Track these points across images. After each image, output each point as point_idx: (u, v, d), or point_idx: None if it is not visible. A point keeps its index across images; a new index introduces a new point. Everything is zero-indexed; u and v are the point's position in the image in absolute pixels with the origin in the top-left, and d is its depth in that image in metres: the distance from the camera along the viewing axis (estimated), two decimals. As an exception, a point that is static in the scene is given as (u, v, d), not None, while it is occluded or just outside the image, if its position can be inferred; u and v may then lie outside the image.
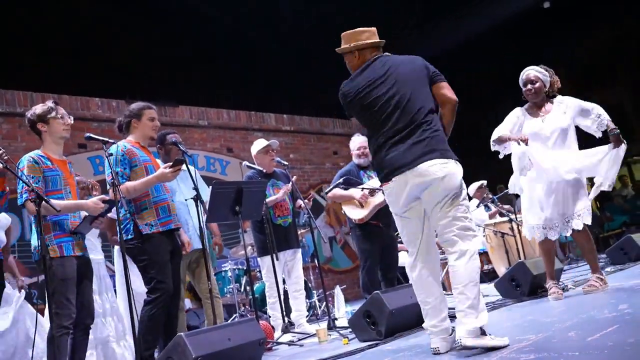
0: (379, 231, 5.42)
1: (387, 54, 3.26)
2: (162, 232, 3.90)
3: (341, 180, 5.58)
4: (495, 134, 4.60)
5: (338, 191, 5.63)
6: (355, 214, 5.45)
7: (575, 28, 11.52)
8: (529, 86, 4.63)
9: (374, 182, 5.48)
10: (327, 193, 5.91)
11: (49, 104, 3.74)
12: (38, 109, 3.72)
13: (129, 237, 3.79)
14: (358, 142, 5.75)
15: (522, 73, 4.69)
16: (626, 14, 11.50)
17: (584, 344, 2.58)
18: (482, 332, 2.78)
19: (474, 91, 13.75)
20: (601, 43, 12.15)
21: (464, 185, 2.99)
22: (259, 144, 5.62)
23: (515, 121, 4.63)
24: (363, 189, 5.40)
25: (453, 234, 2.88)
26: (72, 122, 3.80)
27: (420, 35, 10.49)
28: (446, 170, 2.90)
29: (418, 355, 3.12)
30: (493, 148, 4.65)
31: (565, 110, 4.52)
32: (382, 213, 5.36)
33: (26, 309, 4.73)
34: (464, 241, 2.83)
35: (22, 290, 4.92)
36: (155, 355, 4.14)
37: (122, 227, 3.77)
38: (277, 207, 5.41)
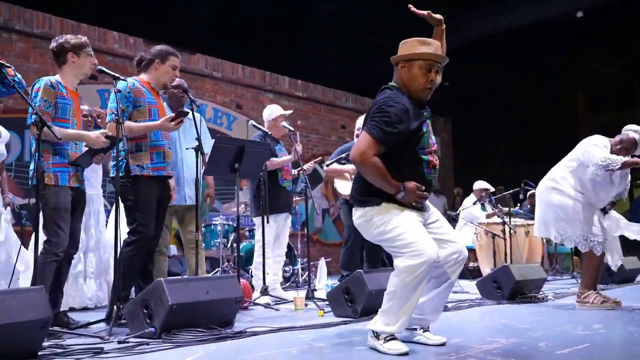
0: None
1: None
2: (153, 177, 3.89)
3: (343, 155, 5.58)
4: (605, 155, 4.27)
5: (336, 165, 5.64)
6: (345, 189, 5.45)
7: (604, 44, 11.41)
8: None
9: None
10: (327, 166, 5.92)
11: (84, 38, 3.78)
12: (73, 39, 3.74)
13: (120, 174, 3.75)
14: (357, 126, 5.74)
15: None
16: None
17: (552, 356, 2.61)
18: (377, 336, 2.81)
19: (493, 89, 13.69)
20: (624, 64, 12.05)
21: (378, 224, 2.87)
22: (276, 110, 5.60)
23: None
24: None
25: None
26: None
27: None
28: (355, 218, 3.02)
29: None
30: (602, 167, 4.26)
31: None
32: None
33: (11, 233, 4.74)
34: (395, 258, 2.82)
35: (8, 207, 4.93)
36: (132, 296, 4.21)
37: (115, 163, 3.77)
38: (284, 170, 5.44)
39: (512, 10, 10.13)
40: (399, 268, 2.74)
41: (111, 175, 3.95)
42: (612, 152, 4.36)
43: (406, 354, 2.70)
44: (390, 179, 2.81)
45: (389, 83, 3.00)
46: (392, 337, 2.77)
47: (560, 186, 4.49)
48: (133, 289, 4.08)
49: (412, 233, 2.75)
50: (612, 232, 4.53)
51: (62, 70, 3.75)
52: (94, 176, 4.87)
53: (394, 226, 2.80)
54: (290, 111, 5.69)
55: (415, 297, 2.76)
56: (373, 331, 2.83)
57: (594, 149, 4.34)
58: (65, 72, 3.74)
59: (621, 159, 4.21)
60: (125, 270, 3.67)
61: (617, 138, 4.45)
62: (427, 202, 3.00)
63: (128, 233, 3.85)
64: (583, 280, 4.48)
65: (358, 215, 2.98)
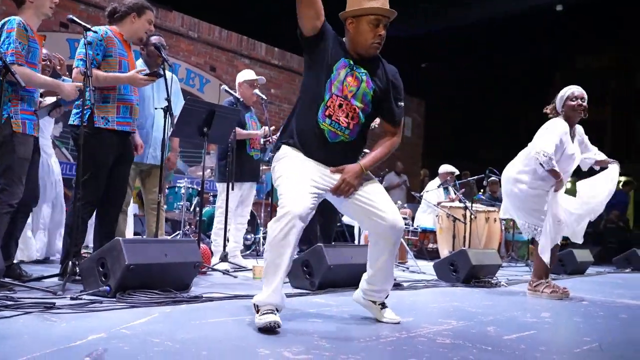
0: None
1: None
2: (117, 131, 3.78)
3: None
4: (544, 148, 4.22)
5: None
6: None
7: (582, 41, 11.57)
8: (582, 102, 4.38)
9: None
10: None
11: None
12: None
13: (82, 123, 3.55)
14: None
15: (570, 87, 4.43)
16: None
17: (499, 341, 2.68)
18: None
19: (464, 77, 13.80)
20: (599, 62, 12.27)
21: (275, 171, 2.84)
22: (247, 74, 5.55)
23: (563, 138, 4.32)
24: None
25: None
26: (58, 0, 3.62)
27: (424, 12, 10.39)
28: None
29: (343, 312, 3.20)
30: (546, 163, 4.24)
31: (580, 138, 4.56)
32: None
33: None
34: None
35: None
36: (89, 252, 4.16)
37: (78, 111, 3.66)
38: (252, 139, 5.41)
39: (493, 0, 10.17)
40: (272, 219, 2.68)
41: (72, 123, 3.79)
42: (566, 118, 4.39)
43: (272, 326, 2.50)
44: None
45: None
46: (269, 311, 2.57)
47: (518, 175, 4.52)
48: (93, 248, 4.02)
49: (287, 184, 2.67)
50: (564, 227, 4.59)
51: (22, 11, 3.46)
52: (46, 125, 4.63)
53: (278, 175, 2.77)
54: (262, 77, 5.62)
55: (282, 259, 2.59)
56: (254, 305, 2.69)
57: (540, 136, 4.36)
58: (25, 13, 3.46)
59: (553, 165, 4.23)
60: (74, 225, 3.55)
61: (559, 109, 4.46)
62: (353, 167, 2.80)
63: (75, 185, 3.68)
64: (535, 269, 4.60)
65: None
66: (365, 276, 3.03)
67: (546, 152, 4.23)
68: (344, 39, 2.88)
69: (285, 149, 2.84)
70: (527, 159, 4.47)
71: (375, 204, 2.81)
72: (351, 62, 2.82)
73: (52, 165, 4.86)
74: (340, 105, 2.78)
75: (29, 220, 4.69)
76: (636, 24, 11.67)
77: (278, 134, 3.02)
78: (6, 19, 3.40)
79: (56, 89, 3.57)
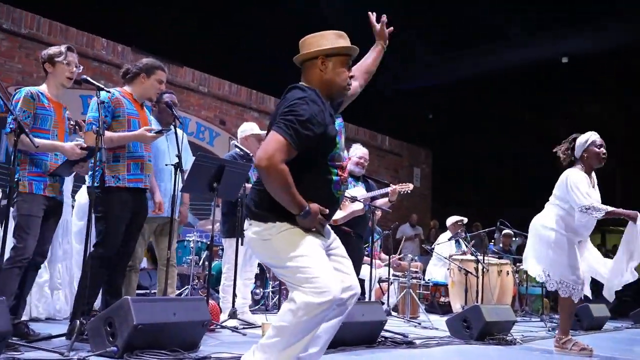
0: (348, 239, 5.37)
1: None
2: (128, 189, 3.82)
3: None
4: (589, 201, 4.22)
5: None
6: None
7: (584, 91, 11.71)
8: (604, 150, 4.46)
9: (357, 191, 5.46)
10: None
11: (62, 48, 3.73)
12: (51, 50, 3.72)
13: (94, 184, 3.69)
14: (361, 151, 5.72)
15: (591, 134, 4.48)
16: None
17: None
18: None
19: (477, 125, 13.90)
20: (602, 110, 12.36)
21: (277, 249, 2.47)
22: (252, 127, 5.52)
23: (588, 187, 4.35)
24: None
25: None
26: (77, 72, 3.74)
27: (435, 63, 10.58)
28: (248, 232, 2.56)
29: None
30: (585, 214, 4.25)
31: (594, 185, 4.53)
32: (359, 224, 5.38)
33: None
34: (292, 290, 2.41)
35: None
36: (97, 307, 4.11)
37: (91, 173, 3.72)
38: None
39: (500, 52, 10.34)
40: (297, 304, 2.31)
41: (86, 184, 3.88)
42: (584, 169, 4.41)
43: None
44: (297, 194, 2.37)
45: (299, 83, 2.63)
46: None
47: (546, 227, 4.48)
48: (99, 302, 3.98)
49: (317, 266, 2.35)
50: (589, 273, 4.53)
51: (46, 81, 3.75)
52: (67, 184, 4.74)
53: (298, 255, 2.39)
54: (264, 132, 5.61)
55: (305, 340, 2.37)
56: None
57: (576, 192, 4.30)
58: (48, 82, 3.73)
59: (605, 208, 4.21)
60: (88, 283, 3.56)
61: (578, 155, 4.47)
62: (327, 226, 2.62)
63: (94, 245, 3.77)
64: (561, 325, 4.52)
65: (253, 230, 2.50)
66: None
67: (587, 206, 4.22)
68: (301, 83, 2.63)
69: (286, 224, 2.46)
70: (558, 207, 4.46)
71: (341, 262, 2.59)
72: (339, 122, 2.67)
73: (69, 224, 4.90)
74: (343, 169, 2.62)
75: (47, 277, 4.70)
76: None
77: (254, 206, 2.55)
78: (20, 89, 3.62)
79: (56, 150, 3.65)
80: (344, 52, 2.59)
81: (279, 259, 2.45)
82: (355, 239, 5.42)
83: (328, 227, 2.63)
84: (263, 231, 2.46)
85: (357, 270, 5.59)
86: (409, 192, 5.71)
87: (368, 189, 5.66)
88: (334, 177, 2.53)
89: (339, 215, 5.33)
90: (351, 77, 2.63)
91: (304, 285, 2.33)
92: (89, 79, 3.62)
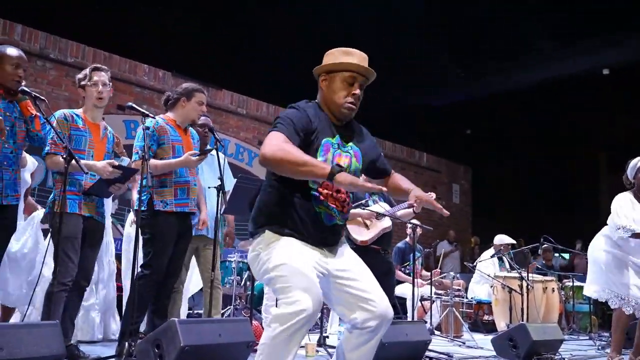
0: (378, 256, 5.32)
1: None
2: (175, 213, 3.92)
3: (363, 202, 5.54)
4: (623, 222, 4.34)
5: (354, 210, 5.59)
6: (360, 235, 5.36)
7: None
8: None
9: (378, 207, 5.41)
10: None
11: (87, 70, 3.85)
12: (80, 74, 3.88)
13: (142, 208, 3.79)
14: None
15: (638, 159, 4.53)
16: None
17: None
18: None
19: (516, 139, 13.71)
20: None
21: (263, 259, 2.41)
22: None
23: (631, 210, 4.43)
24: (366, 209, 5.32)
25: None
26: (107, 92, 3.85)
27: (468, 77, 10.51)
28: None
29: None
30: (620, 235, 4.38)
31: None
32: (385, 239, 5.34)
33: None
34: None
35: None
36: (142, 329, 4.18)
37: (138, 197, 3.81)
38: None
39: (539, 65, 10.22)
40: (272, 316, 2.23)
41: (135, 208, 3.99)
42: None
43: None
44: (316, 160, 2.33)
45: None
46: None
47: (597, 246, 4.61)
48: (145, 324, 4.06)
49: (292, 275, 2.24)
50: None
51: (84, 104, 3.89)
52: (108, 204, 4.81)
53: (275, 264, 2.32)
54: None
55: (287, 356, 2.22)
56: None
57: (616, 212, 4.43)
58: (85, 105, 3.88)
59: (632, 229, 4.28)
60: (135, 304, 3.64)
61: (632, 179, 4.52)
62: (340, 248, 2.54)
63: (141, 266, 3.86)
64: (613, 343, 4.44)
65: (250, 248, 2.50)
66: None
67: (618, 226, 4.33)
68: (316, 101, 2.63)
69: (270, 234, 2.45)
70: (605, 234, 4.60)
71: (360, 286, 2.45)
72: (334, 141, 2.54)
73: (110, 245, 5.00)
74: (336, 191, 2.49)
75: (93, 300, 4.78)
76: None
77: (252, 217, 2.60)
78: (55, 112, 3.73)
79: (89, 169, 3.66)
80: (343, 69, 2.52)
81: (265, 271, 2.38)
82: (384, 255, 5.38)
83: (341, 249, 2.56)
84: (255, 246, 2.45)
85: (388, 283, 5.53)
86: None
87: (389, 203, 5.59)
88: (312, 192, 2.45)
89: (367, 235, 5.29)
90: (354, 95, 2.54)
91: (280, 296, 2.26)
92: (134, 105, 3.73)
